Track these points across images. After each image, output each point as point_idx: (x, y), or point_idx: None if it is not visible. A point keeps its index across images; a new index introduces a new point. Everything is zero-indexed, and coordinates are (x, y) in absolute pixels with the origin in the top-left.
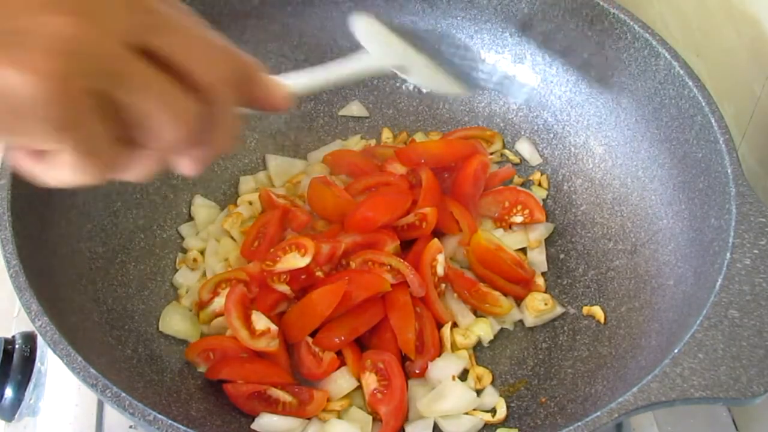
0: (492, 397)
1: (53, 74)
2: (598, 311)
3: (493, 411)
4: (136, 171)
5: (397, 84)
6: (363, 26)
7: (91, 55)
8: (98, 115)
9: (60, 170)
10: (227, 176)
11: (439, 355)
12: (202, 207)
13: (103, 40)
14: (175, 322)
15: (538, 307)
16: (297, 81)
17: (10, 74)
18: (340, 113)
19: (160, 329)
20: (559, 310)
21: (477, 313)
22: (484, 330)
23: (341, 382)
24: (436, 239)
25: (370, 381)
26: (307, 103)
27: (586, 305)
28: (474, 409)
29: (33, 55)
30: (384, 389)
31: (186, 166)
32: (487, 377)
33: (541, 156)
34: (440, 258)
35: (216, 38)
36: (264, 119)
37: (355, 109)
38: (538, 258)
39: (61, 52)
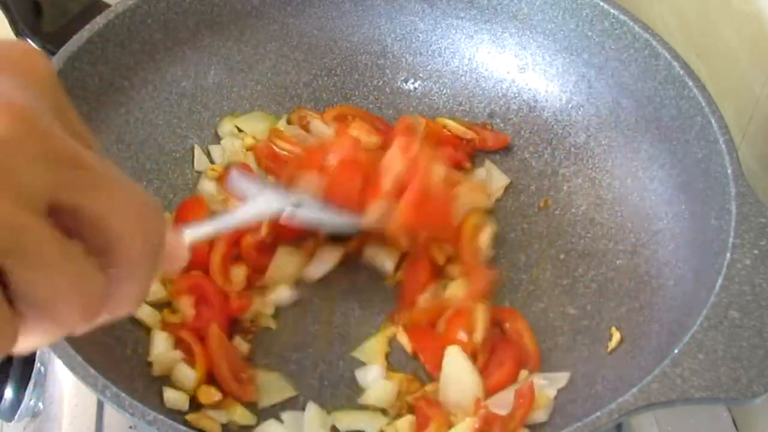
0: None
1: None
2: (617, 336)
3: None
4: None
5: (397, 84)
6: (239, 182)
7: None
8: None
9: None
10: None
11: None
12: None
13: (11, 209)
14: None
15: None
16: (197, 232)
17: None
18: None
19: None
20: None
21: None
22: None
23: None
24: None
25: None
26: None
27: (588, 308)
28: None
29: None
30: None
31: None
32: None
33: (536, 159)
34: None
35: (143, 196)
36: None
37: None
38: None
39: None
